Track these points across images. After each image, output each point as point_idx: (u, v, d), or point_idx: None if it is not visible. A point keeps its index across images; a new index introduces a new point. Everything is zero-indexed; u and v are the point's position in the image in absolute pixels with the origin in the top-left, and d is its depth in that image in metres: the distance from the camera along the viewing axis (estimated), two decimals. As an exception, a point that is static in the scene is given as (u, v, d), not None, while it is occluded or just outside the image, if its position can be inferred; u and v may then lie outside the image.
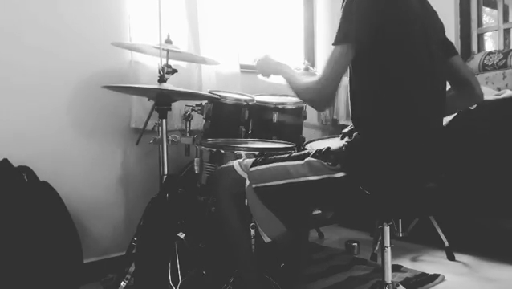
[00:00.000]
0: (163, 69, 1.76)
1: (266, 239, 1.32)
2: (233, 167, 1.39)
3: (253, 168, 1.34)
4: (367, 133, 1.22)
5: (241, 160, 1.42)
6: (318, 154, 1.26)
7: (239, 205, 1.36)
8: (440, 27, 1.36)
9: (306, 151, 1.33)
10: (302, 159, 1.28)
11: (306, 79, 1.25)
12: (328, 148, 1.27)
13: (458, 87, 1.42)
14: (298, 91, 1.28)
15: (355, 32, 1.14)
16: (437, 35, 1.33)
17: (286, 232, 1.32)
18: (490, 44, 3.61)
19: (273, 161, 1.33)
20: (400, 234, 2.38)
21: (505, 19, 3.29)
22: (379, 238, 1.69)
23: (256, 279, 1.41)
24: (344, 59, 1.15)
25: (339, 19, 1.17)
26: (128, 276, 1.72)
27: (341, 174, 1.20)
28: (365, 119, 1.24)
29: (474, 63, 3.12)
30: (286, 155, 1.35)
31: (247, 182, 1.33)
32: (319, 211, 2.40)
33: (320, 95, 1.20)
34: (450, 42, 1.41)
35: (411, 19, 1.20)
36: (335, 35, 1.16)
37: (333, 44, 1.16)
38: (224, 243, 1.53)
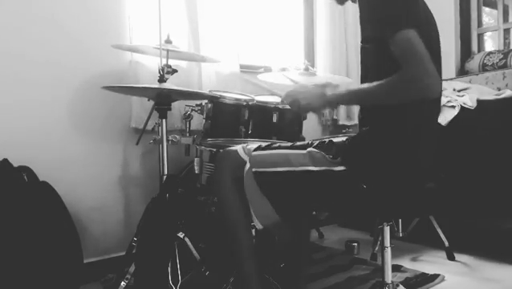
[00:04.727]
0: (163, 69, 1.76)
1: (258, 226, 1.32)
2: (236, 151, 1.40)
3: (255, 153, 1.35)
4: (373, 129, 1.21)
5: (245, 145, 1.42)
6: (321, 146, 1.26)
7: (240, 190, 1.35)
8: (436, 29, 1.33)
9: (310, 141, 1.32)
10: (305, 149, 1.28)
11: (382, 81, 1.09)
12: (331, 140, 1.27)
13: None
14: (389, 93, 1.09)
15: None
16: (437, 35, 1.32)
17: (279, 222, 1.31)
18: (490, 44, 3.62)
19: (275, 148, 1.34)
20: (400, 234, 2.38)
21: (505, 19, 3.29)
22: (379, 238, 1.69)
23: (254, 272, 1.36)
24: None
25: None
26: (128, 276, 1.72)
27: (341, 168, 1.20)
28: (374, 114, 1.22)
29: (474, 63, 3.12)
30: (290, 144, 1.35)
31: (247, 166, 1.33)
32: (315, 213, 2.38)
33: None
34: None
35: (421, 15, 1.18)
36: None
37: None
38: (223, 236, 1.51)
